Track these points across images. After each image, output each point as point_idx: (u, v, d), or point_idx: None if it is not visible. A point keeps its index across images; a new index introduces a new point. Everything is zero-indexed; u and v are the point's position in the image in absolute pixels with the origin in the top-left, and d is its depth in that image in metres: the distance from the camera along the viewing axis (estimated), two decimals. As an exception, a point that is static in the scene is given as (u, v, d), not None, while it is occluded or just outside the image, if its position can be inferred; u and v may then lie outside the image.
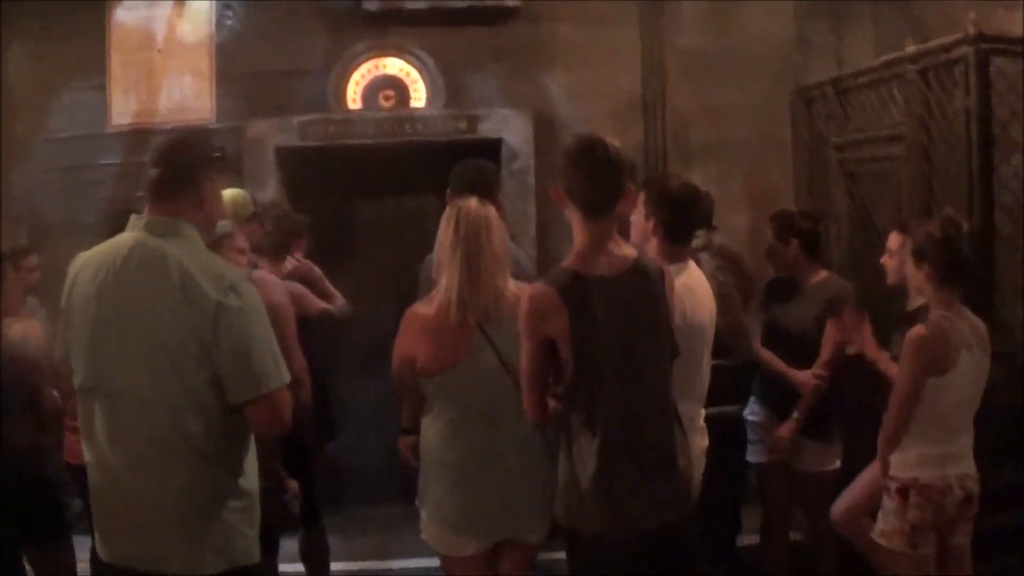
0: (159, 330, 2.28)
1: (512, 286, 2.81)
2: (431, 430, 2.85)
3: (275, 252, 3.93)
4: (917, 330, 3.11)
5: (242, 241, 3.43)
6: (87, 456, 2.39)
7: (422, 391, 2.85)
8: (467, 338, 2.75)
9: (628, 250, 2.60)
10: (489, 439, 2.78)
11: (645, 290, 2.53)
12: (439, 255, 2.83)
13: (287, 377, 2.39)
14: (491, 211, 2.85)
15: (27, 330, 3.39)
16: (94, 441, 2.36)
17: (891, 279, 3.71)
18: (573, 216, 2.56)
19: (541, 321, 2.48)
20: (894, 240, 3.71)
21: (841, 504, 3.66)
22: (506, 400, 2.73)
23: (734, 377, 3.58)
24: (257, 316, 2.34)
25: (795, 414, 3.92)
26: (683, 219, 3.08)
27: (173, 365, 2.27)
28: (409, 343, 2.82)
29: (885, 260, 3.75)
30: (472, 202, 2.84)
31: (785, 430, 3.94)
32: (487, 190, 3.30)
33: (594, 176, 2.51)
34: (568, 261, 2.56)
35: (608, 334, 2.46)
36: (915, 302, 3.47)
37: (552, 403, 2.57)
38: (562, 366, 2.49)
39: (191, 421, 2.29)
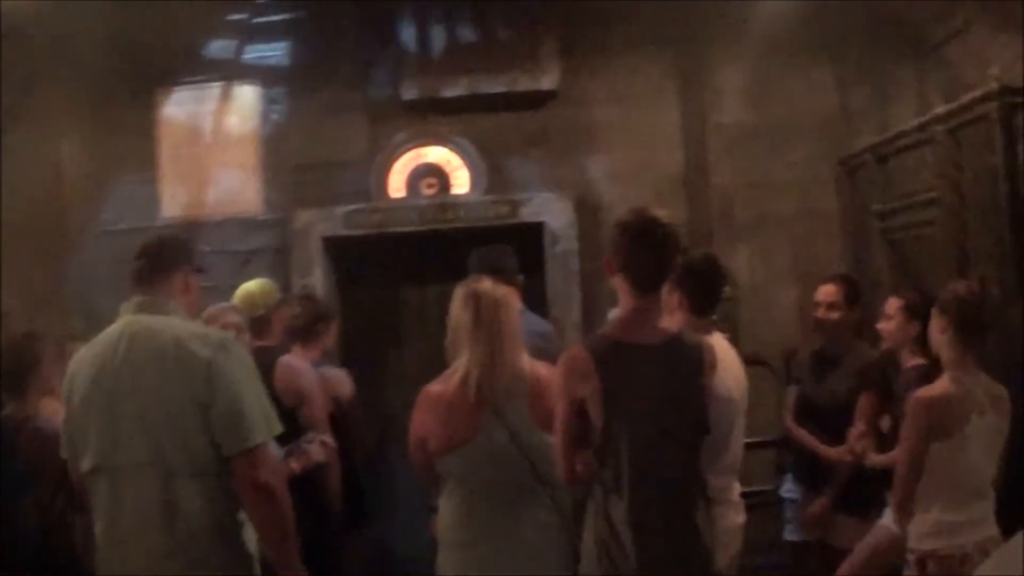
0: (159, 398, 2.44)
1: (526, 364, 2.83)
2: (446, 509, 2.85)
3: (305, 336, 4.01)
4: (920, 392, 3.06)
5: (234, 316, 3.59)
6: (97, 531, 2.54)
7: (437, 471, 2.86)
8: (478, 417, 2.76)
9: (671, 324, 2.65)
10: (502, 517, 2.77)
11: (681, 363, 2.55)
12: (455, 335, 2.85)
13: (276, 429, 2.53)
14: (506, 290, 2.91)
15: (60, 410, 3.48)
16: (102, 518, 2.51)
17: (886, 344, 3.73)
18: (620, 287, 2.59)
19: (574, 382, 2.52)
20: (892, 304, 3.71)
21: (843, 570, 3.50)
22: (518, 478, 2.75)
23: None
24: (246, 371, 2.52)
25: (827, 490, 3.85)
26: (707, 291, 3.11)
27: (171, 428, 2.42)
28: (421, 422, 2.84)
29: (882, 325, 3.73)
30: (487, 282, 2.89)
31: (818, 506, 3.88)
32: (505, 273, 3.38)
33: (648, 253, 2.54)
34: (608, 328, 2.61)
35: (637, 401, 2.48)
36: (907, 363, 3.56)
37: (581, 466, 2.58)
38: (592, 428, 2.51)
39: (189, 485, 2.42)
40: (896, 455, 3.29)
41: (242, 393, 2.46)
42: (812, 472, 3.95)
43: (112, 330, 2.59)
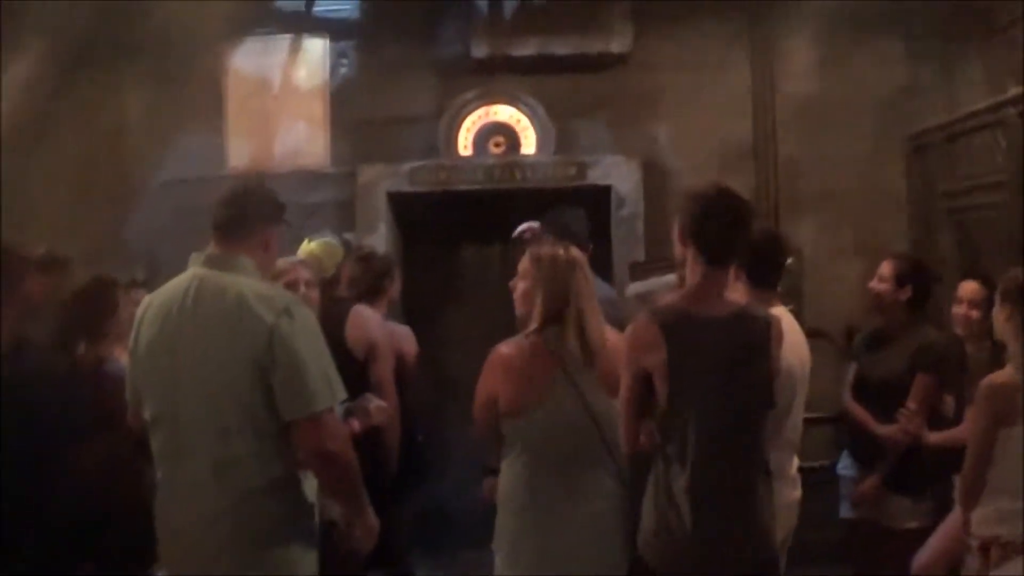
0: (218, 358, 2.39)
1: (602, 330, 2.82)
2: (509, 472, 2.84)
3: (370, 292, 3.97)
4: (988, 378, 3.01)
5: (303, 271, 3.41)
6: (157, 480, 2.54)
7: (502, 433, 2.85)
8: (551, 380, 2.75)
9: (739, 297, 2.64)
10: (564, 483, 2.76)
11: (748, 336, 2.53)
12: (530, 297, 2.83)
13: (340, 395, 2.46)
14: (580, 254, 2.89)
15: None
16: (161, 468, 2.51)
17: (961, 330, 3.76)
18: (691, 258, 2.56)
19: (640, 352, 2.50)
20: (966, 290, 3.73)
21: (921, 558, 3.44)
22: (586, 444, 2.75)
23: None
24: (311, 336, 2.44)
25: (878, 469, 3.82)
26: (767, 264, 3.08)
27: (231, 389, 2.38)
28: (492, 383, 2.82)
29: (962, 311, 3.74)
30: (559, 247, 2.87)
31: (868, 485, 3.84)
32: (577, 237, 3.37)
33: (722, 226, 2.51)
34: (676, 298, 2.58)
35: (704, 373, 2.47)
36: (975, 347, 3.58)
37: (644, 436, 2.58)
38: (656, 399, 2.50)
39: (246, 444, 2.39)
40: (956, 434, 3.29)
41: (304, 359, 2.38)
42: (868, 449, 3.92)
43: (180, 281, 2.51)
